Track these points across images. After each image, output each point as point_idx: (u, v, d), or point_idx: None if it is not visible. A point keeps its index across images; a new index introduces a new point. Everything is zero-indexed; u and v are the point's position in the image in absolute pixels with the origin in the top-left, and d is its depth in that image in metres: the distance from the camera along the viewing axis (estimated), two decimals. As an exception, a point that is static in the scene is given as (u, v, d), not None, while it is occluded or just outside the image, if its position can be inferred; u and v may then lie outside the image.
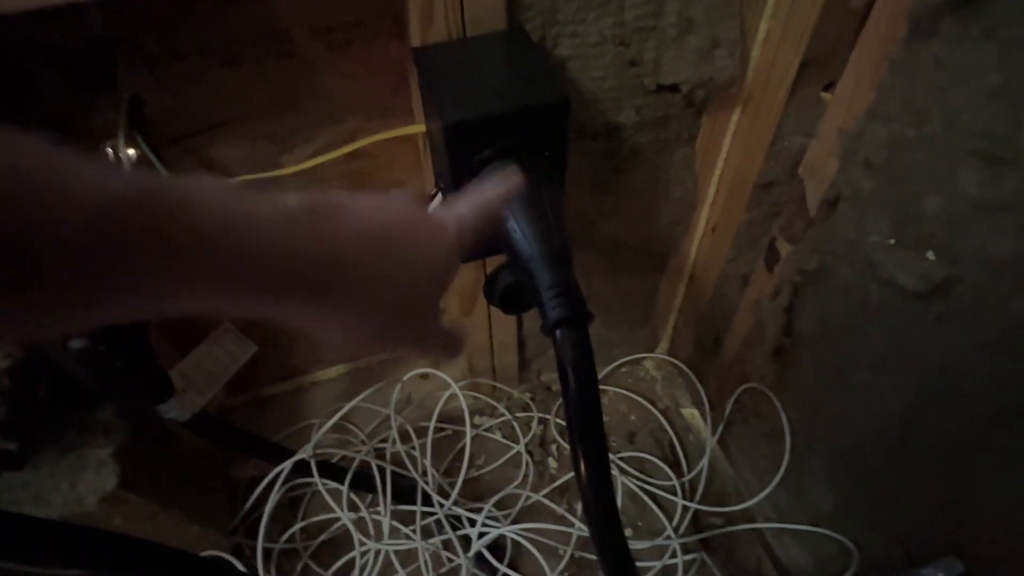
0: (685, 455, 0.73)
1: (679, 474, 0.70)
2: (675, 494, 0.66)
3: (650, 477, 0.69)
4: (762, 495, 0.60)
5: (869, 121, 0.38)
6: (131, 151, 0.46)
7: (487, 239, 0.40)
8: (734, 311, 0.61)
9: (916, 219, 0.37)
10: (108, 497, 0.47)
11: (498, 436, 0.75)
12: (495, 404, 0.76)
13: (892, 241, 0.38)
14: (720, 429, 0.70)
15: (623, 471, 0.68)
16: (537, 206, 0.35)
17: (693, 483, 0.68)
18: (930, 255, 0.36)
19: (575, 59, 0.44)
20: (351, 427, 0.73)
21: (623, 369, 0.81)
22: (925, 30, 0.33)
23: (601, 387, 0.79)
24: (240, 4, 0.44)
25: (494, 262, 0.57)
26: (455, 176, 0.37)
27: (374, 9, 0.47)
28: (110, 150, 0.46)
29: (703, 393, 0.73)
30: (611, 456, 0.70)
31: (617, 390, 0.79)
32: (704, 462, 0.69)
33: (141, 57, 0.45)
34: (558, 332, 0.32)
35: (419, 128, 0.49)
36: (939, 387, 0.40)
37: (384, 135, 0.51)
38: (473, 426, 0.75)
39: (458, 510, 0.63)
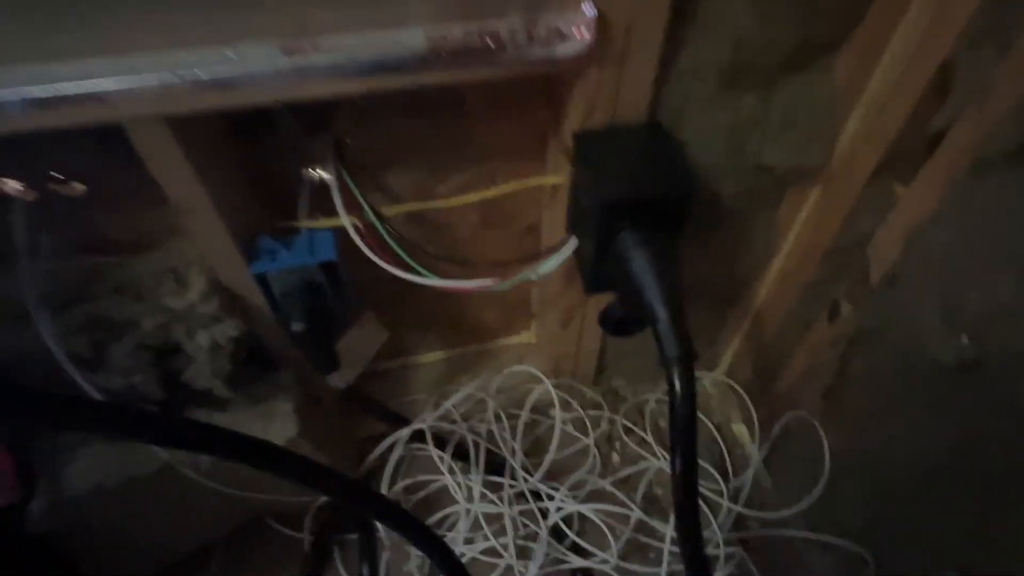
0: (732, 464, 0.84)
1: (726, 480, 0.81)
2: (722, 496, 0.78)
3: (701, 479, 0.80)
4: (798, 507, 0.71)
5: (931, 224, 0.48)
6: (328, 175, 0.59)
7: (607, 281, 0.51)
8: (792, 350, 0.72)
9: (958, 309, 0.47)
10: (290, 442, 0.61)
11: (571, 428, 0.87)
12: (570, 400, 0.88)
13: (936, 322, 0.48)
14: (767, 447, 0.81)
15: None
16: (664, 263, 0.46)
17: (738, 489, 0.79)
18: (964, 339, 0.46)
19: (694, 143, 0.55)
20: (450, 406, 0.86)
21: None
22: (985, 169, 0.43)
23: (660, 397, 0.90)
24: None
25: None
26: (599, 238, 0.48)
27: (535, 89, 0.58)
28: (311, 172, 0.60)
29: (754, 414, 0.83)
30: (668, 459, 0.81)
31: (677, 401, 0.90)
32: (749, 472, 0.79)
33: (350, 111, 0.58)
34: (673, 366, 0.44)
35: (556, 179, 0.61)
36: (968, 442, 0.50)
37: (527, 182, 0.63)
38: (550, 417, 0.88)
39: (540, 485, 0.75)
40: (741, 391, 0.86)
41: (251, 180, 0.59)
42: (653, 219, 0.47)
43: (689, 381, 0.44)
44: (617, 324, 0.56)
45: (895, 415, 0.56)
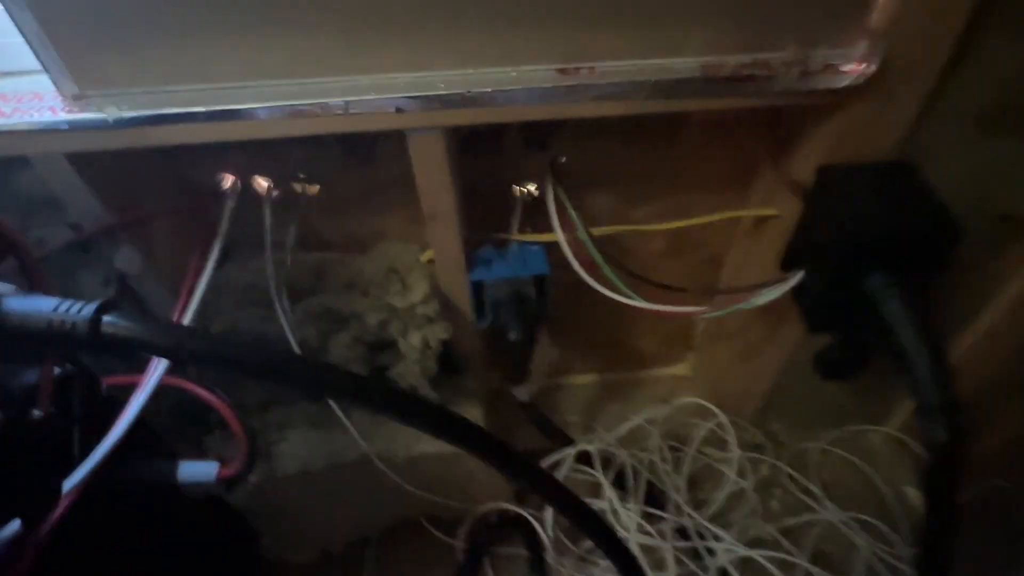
0: (908, 529, 0.78)
1: (904, 544, 0.75)
2: (902, 562, 0.72)
3: (882, 543, 0.75)
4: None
5: None
6: (539, 192, 0.61)
7: (839, 320, 0.50)
8: (1000, 412, 0.66)
9: None
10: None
11: (726, 468, 0.84)
12: (727, 438, 0.86)
13: None
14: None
15: (853, 530, 0.75)
16: (920, 308, 0.44)
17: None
18: None
19: (938, 187, 0.53)
20: (601, 430, 0.85)
21: (847, 436, 0.87)
22: None
23: (826, 447, 0.86)
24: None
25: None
26: (841, 277, 0.47)
27: (757, 120, 0.58)
28: (524, 188, 0.62)
29: (937, 477, 0.77)
30: (840, 512, 0.77)
31: (842, 453, 0.85)
32: (931, 541, 0.73)
33: (571, 130, 0.60)
34: (933, 416, 0.42)
35: (768, 211, 0.60)
36: None
37: (730, 213, 0.62)
38: (702, 453, 0.86)
39: (706, 524, 0.73)
40: (921, 451, 0.80)
41: (472, 193, 0.62)
42: (908, 260, 0.46)
43: (953, 433, 0.41)
44: (831, 366, 0.54)
45: None
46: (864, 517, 0.77)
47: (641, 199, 0.67)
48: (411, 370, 0.60)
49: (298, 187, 0.59)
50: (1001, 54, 0.45)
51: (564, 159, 0.61)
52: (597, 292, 0.60)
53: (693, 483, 0.82)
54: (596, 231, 0.62)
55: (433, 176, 0.49)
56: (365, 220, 0.63)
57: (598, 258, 0.60)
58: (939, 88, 0.47)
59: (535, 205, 0.62)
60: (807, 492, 0.81)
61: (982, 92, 0.47)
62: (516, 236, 0.61)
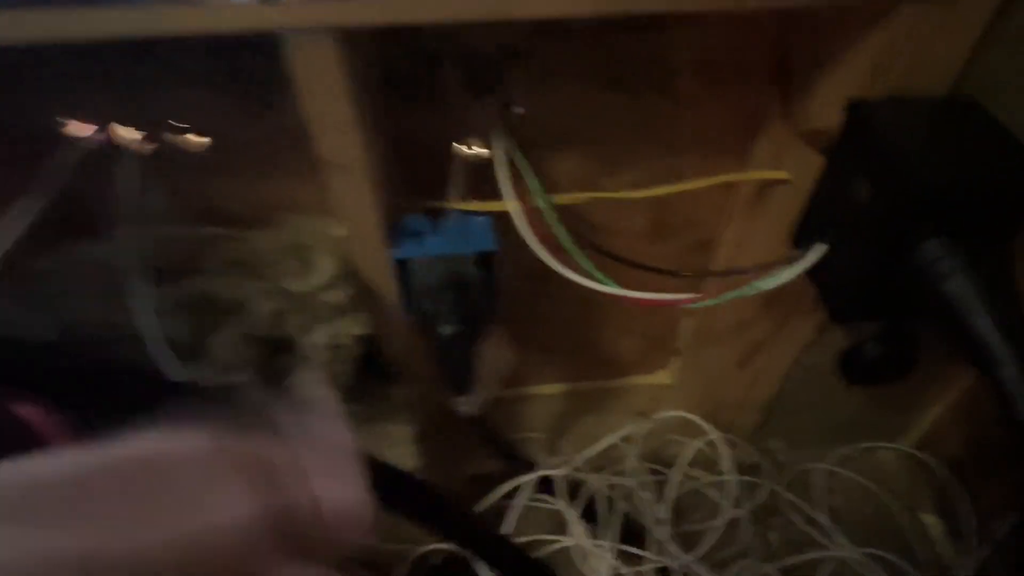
0: (919, 567, 0.66)
1: (928, 587, 0.63)
2: (930, 611, 0.60)
3: (896, 582, 0.63)
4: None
5: None
6: (489, 149, 0.48)
7: (878, 305, 0.37)
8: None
9: None
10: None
11: (716, 494, 0.71)
12: (719, 459, 0.73)
13: None
14: (984, 550, 0.62)
15: (870, 570, 0.62)
16: (1000, 286, 0.32)
17: (948, 603, 0.61)
18: None
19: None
20: (570, 450, 0.72)
21: (857, 454, 0.75)
22: None
23: (833, 468, 0.73)
24: (645, 35, 0.45)
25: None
26: (887, 247, 0.34)
27: (762, 50, 0.46)
28: (462, 146, 0.48)
29: (970, 503, 0.65)
30: (853, 548, 0.64)
31: (850, 474, 0.73)
32: (964, 582, 0.61)
33: (532, 71, 0.46)
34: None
35: (778, 174, 0.48)
36: None
37: (734, 176, 0.50)
38: (690, 477, 0.73)
39: (696, 568, 0.60)
40: (944, 470, 0.68)
41: (399, 151, 0.49)
42: (979, 219, 0.33)
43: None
44: (868, 367, 0.41)
45: None
46: (880, 553, 0.65)
47: (617, 163, 0.54)
48: (316, 377, 0.46)
49: (176, 139, 0.45)
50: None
51: (521, 110, 0.48)
52: (560, 277, 0.46)
53: (679, 513, 0.69)
54: (560, 199, 0.49)
55: (327, 103, 0.35)
56: (268, 185, 0.49)
57: (560, 232, 0.47)
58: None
59: (483, 168, 0.48)
60: (812, 522, 0.68)
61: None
62: (457, 204, 0.48)
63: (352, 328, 0.46)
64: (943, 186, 0.32)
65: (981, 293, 0.32)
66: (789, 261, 0.42)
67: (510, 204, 0.45)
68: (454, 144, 0.49)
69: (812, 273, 0.42)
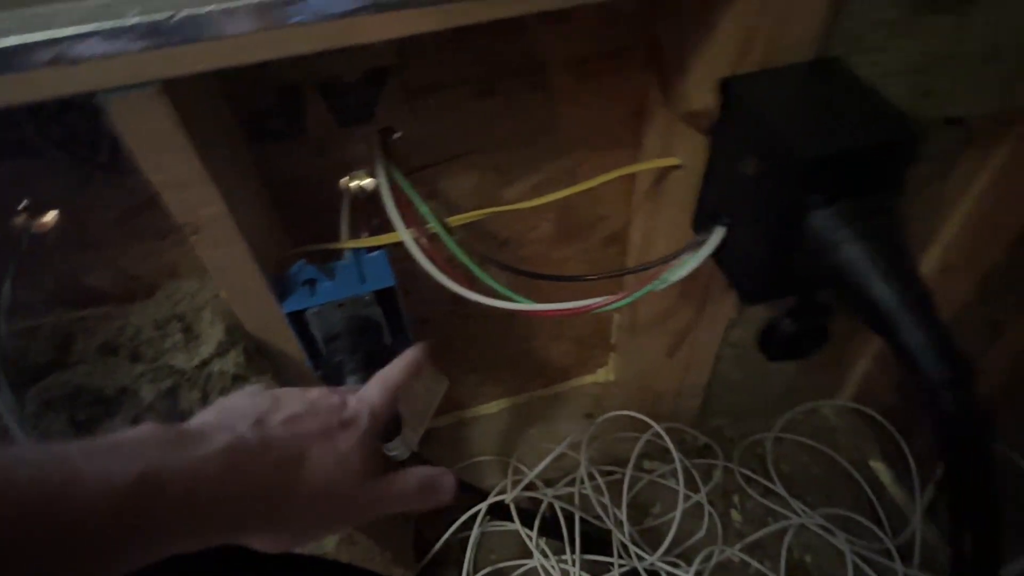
0: (884, 514, 0.67)
1: (888, 536, 0.64)
2: (891, 558, 0.61)
3: (856, 536, 0.63)
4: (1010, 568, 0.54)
5: None
6: (373, 179, 0.45)
7: (785, 283, 0.37)
8: (981, 351, 0.56)
9: None
10: (344, 539, 0.45)
11: (673, 483, 0.70)
12: (670, 448, 0.72)
13: None
14: (929, 491, 0.64)
15: (829, 531, 0.63)
16: (893, 250, 0.32)
17: (907, 548, 0.62)
18: None
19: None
20: (522, 467, 0.70)
21: (799, 417, 0.76)
22: None
23: (779, 435, 0.74)
24: (509, 36, 0.43)
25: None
26: (783, 218, 0.34)
27: (632, 39, 0.45)
28: (353, 179, 0.46)
29: (906, 448, 0.67)
30: (811, 513, 0.65)
31: (796, 438, 0.74)
32: (916, 523, 0.63)
33: (403, 90, 0.44)
34: (942, 393, 0.29)
35: (671, 161, 0.47)
36: None
37: (623, 170, 0.49)
38: (645, 471, 0.72)
39: (662, 565, 0.59)
40: (881, 418, 0.70)
41: (276, 194, 0.46)
42: (861, 183, 0.33)
43: (971, 413, 0.29)
44: (788, 343, 0.41)
45: None
46: (837, 511, 0.66)
47: (513, 172, 0.52)
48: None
49: (24, 221, 0.41)
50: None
51: (399, 133, 0.46)
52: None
53: (640, 510, 0.68)
54: (457, 220, 0.47)
55: (166, 160, 0.32)
56: (136, 253, 0.45)
57: (461, 254, 0.44)
58: (858, -47, 0.35)
59: (373, 200, 0.45)
60: (769, 493, 0.68)
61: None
62: (349, 243, 0.45)
63: (255, 393, 0.42)
64: (820, 153, 0.31)
65: (874, 259, 0.31)
66: (693, 248, 0.42)
67: (402, 234, 0.43)
68: (342, 179, 0.46)
69: (717, 257, 0.41)
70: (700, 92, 0.40)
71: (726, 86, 0.36)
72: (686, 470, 0.70)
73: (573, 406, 0.78)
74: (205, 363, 0.40)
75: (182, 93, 0.31)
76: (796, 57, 0.37)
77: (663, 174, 0.50)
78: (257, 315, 0.41)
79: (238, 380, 0.42)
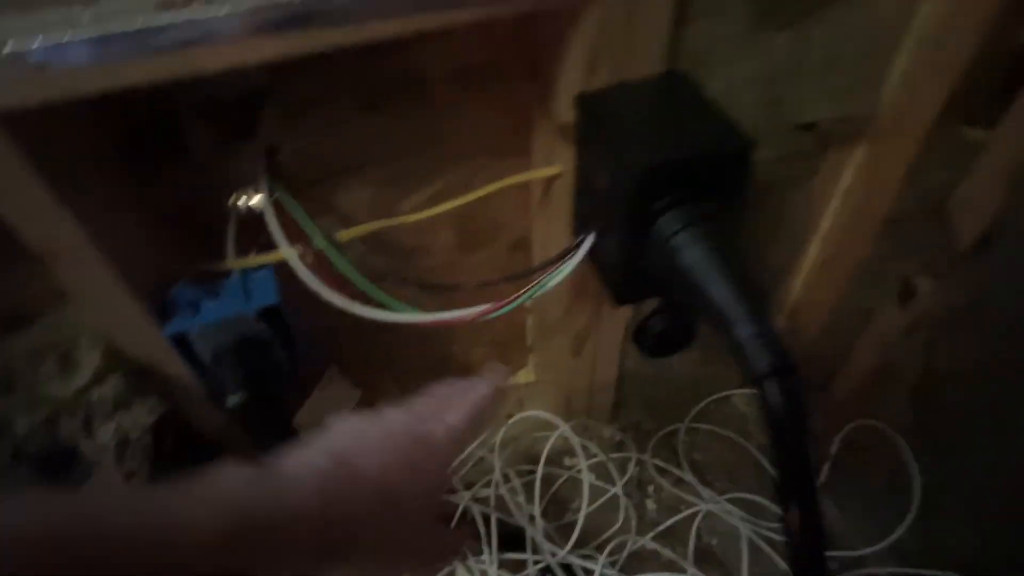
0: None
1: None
2: (783, 535, 0.64)
3: (755, 515, 0.67)
4: (890, 539, 0.58)
5: (1045, 158, 0.38)
6: (260, 196, 0.46)
7: (646, 285, 0.39)
8: (850, 348, 0.60)
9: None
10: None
11: (592, 477, 0.73)
12: (587, 444, 0.74)
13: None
14: (826, 468, 0.68)
15: (731, 514, 0.66)
16: (726, 251, 0.34)
17: (804, 525, 0.66)
18: None
19: (721, 99, 0.44)
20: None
21: (711, 406, 0.79)
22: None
23: (692, 425, 0.77)
24: (387, 50, 0.44)
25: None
26: (631, 224, 0.36)
27: (512, 53, 0.47)
28: (240, 196, 0.46)
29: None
30: (718, 498, 0.68)
31: (708, 427, 0.77)
32: (813, 503, 0.66)
33: (284, 106, 0.45)
34: (766, 383, 0.31)
35: (551, 170, 0.49)
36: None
37: (512, 180, 0.50)
38: (565, 467, 0.74)
39: (572, 559, 0.61)
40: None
41: (159, 216, 0.45)
42: (701, 190, 0.35)
43: (794, 401, 0.31)
44: (659, 341, 0.43)
45: (1012, 415, 0.45)
46: (741, 495, 0.69)
47: (408, 184, 0.53)
48: (112, 478, 0.42)
49: None
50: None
51: (282, 147, 0.47)
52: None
53: (560, 506, 0.70)
54: (350, 233, 0.48)
55: (10, 188, 0.31)
56: (7, 280, 0.44)
57: (345, 268, 0.45)
58: (694, -25, 0.37)
59: (260, 218, 0.46)
60: (680, 482, 0.71)
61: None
62: (233, 263, 0.45)
63: (140, 418, 0.42)
64: (654, 163, 0.34)
65: (710, 260, 0.34)
66: (570, 254, 0.44)
67: (284, 252, 0.43)
68: (229, 196, 0.46)
69: (592, 261, 0.43)
70: (563, 106, 0.41)
71: (580, 101, 0.38)
72: (601, 464, 0.73)
73: (498, 407, 0.79)
74: (84, 391, 0.40)
75: (28, 123, 0.31)
76: (646, 72, 0.39)
77: (550, 182, 0.51)
78: (135, 339, 0.41)
79: (120, 406, 0.42)
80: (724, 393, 0.79)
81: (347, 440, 0.28)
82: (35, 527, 0.18)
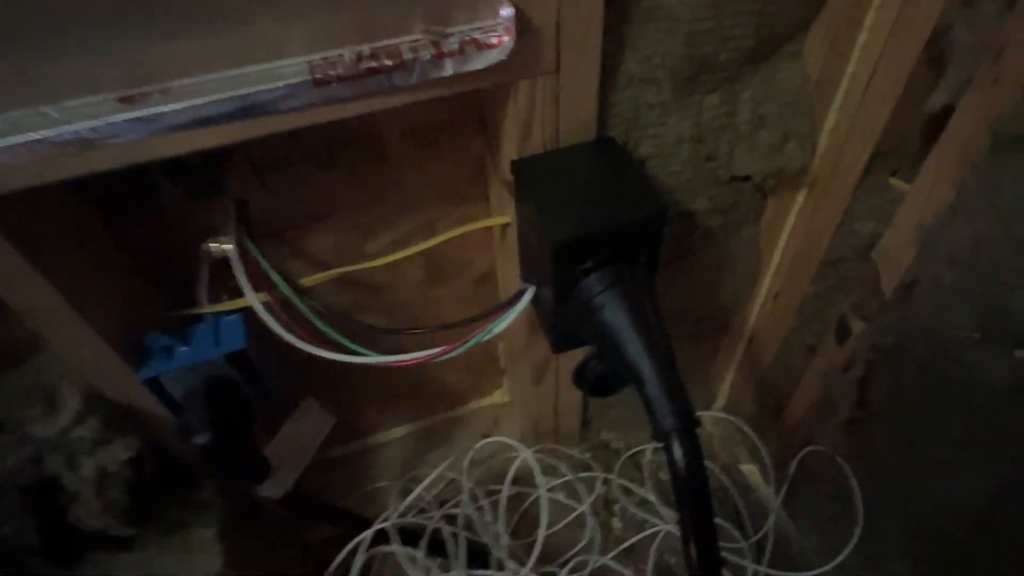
0: (748, 512, 0.74)
1: (745, 535, 0.70)
2: (744, 556, 0.67)
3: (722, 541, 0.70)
4: (835, 562, 0.61)
5: (951, 217, 0.40)
6: (229, 246, 0.49)
7: (578, 336, 0.42)
8: (798, 379, 0.63)
9: (1003, 314, 0.38)
10: (215, 578, 0.49)
11: (561, 497, 0.76)
12: (556, 465, 0.77)
13: (977, 335, 0.40)
14: (784, 489, 0.71)
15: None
16: (641, 311, 0.37)
17: (761, 545, 0.69)
18: (1020, 353, 0.37)
19: (655, 157, 0.47)
20: (419, 492, 0.74)
21: (680, 425, 0.82)
22: (1012, 142, 0.35)
23: (658, 446, 0.80)
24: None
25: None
26: (557, 285, 0.39)
27: (462, 112, 0.50)
28: (212, 246, 0.50)
29: (765, 452, 0.73)
30: (675, 520, 0.71)
31: (676, 447, 0.80)
32: (770, 523, 0.69)
33: (250, 165, 0.48)
34: (671, 439, 0.34)
35: (503, 219, 0.52)
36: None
37: (469, 227, 0.53)
38: (535, 487, 0.77)
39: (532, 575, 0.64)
40: (746, 427, 0.77)
41: (134, 265, 0.49)
42: (619, 254, 0.38)
43: (694, 457, 0.34)
44: (597, 383, 0.46)
45: (935, 444, 0.47)
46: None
47: (372, 229, 0.56)
48: (90, 509, 0.46)
49: None
50: (677, 8, 0.39)
51: (248, 201, 0.50)
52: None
53: (530, 524, 0.73)
54: (318, 278, 0.52)
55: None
56: (7, 319, 0.48)
57: (308, 314, 0.49)
58: (617, 49, 0.40)
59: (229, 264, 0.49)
60: (644, 502, 0.75)
61: (668, 48, 0.41)
62: (205, 309, 0.48)
63: (118, 454, 0.46)
64: (570, 236, 0.37)
65: (626, 320, 0.37)
66: (511, 303, 0.47)
67: (249, 298, 0.47)
68: (202, 244, 0.50)
69: (535, 308, 0.46)
70: (505, 167, 0.45)
71: (515, 165, 0.41)
72: (568, 485, 0.76)
73: (473, 427, 0.83)
74: (65, 431, 0.44)
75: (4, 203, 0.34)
76: (578, 139, 0.42)
77: (504, 228, 0.55)
78: (114, 384, 0.45)
79: (99, 444, 0.45)
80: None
81: None
82: None
